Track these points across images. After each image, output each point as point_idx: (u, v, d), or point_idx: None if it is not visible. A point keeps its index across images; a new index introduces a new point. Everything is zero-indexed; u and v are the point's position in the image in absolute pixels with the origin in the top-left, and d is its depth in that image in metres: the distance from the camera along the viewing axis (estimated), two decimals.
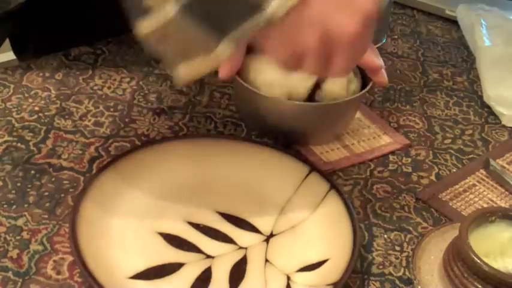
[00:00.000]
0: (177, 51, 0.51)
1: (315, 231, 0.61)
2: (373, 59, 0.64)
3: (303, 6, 0.47)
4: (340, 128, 0.74)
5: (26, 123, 0.70)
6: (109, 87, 0.78)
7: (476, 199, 0.68)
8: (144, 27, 0.49)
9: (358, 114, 0.78)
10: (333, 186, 0.63)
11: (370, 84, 0.69)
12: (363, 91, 0.69)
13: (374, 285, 0.57)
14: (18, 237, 0.57)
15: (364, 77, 0.70)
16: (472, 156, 0.75)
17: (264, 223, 0.61)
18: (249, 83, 0.67)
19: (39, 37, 0.88)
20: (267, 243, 0.59)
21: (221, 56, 0.49)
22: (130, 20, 0.49)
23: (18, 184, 0.63)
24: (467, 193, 0.69)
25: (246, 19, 0.47)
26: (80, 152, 0.67)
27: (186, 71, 0.51)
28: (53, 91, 0.76)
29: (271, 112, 0.68)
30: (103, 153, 0.68)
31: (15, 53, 0.93)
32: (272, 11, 0.46)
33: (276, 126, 0.69)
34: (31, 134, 0.69)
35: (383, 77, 0.65)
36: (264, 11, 0.46)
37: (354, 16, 0.47)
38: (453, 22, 1.04)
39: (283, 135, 0.70)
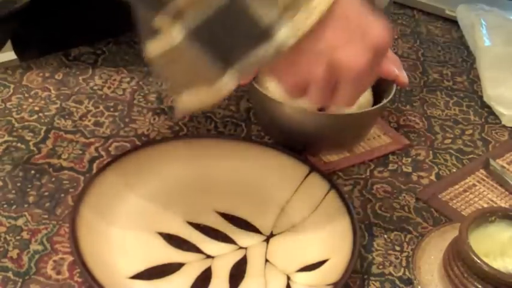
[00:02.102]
0: (180, 79, 0.50)
1: (315, 231, 0.61)
2: (390, 68, 0.65)
3: (314, 36, 0.46)
4: (355, 140, 0.72)
5: (26, 123, 0.70)
6: (109, 87, 0.78)
7: (476, 199, 0.68)
8: (152, 49, 0.48)
9: None
10: (333, 186, 0.63)
11: (390, 96, 0.68)
12: (383, 102, 0.68)
13: (374, 285, 0.57)
14: (18, 237, 0.57)
15: (377, 88, 0.70)
16: (472, 156, 0.75)
17: (264, 223, 0.61)
18: (266, 88, 0.66)
19: (40, 37, 0.88)
20: (267, 243, 0.59)
21: (224, 89, 0.47)
22: (142, 40, 0.48)
23: (18, 184, 0.63)
24: (467, 193, 0.69)
25: (254, 47, 0.45)
26: (80, 152, 0.67)
27: (188, 100, 0.50)
28: (53, 91, 0.76)
29: (287, 119, 0.67)
30: (103, 153, 0.68)
31: (16, 52, 0.94)
32: (282, 39, 0.44)
33: (291, 134, 0.68)
34: (31, 134, 0.69)
35: (403, 79, 0.66)
36: (273, 39, 0.44)
37: (365, 50, 0.46)
38: (453, 22, 1.04)
39: (296, 143, 0.69)
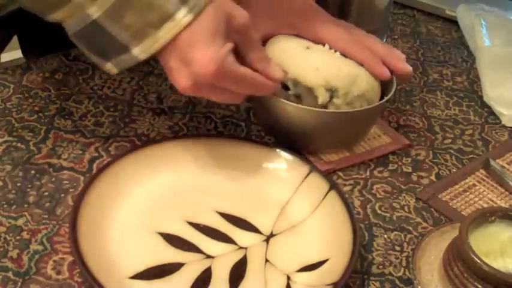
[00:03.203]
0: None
1: (315, 231, 0.61)
2: (381, 70, 0.68)
3: (161, 57, 0.58)
4: (355, 139, 0.72)
5: (26, 123, 0.70)
6: (109, 87, 0.78)
7: (476, 199, 0.68)
8: None
9: None
10: (333, 186, 0.63)
11: (390, 95, 0.68)
12: (383, 101, 0.68)
13: (374, 285, 0.57)
14: (18, 237, 0.57)
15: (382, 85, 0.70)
16: (472, 156, 0.75)
17: (264, 223, 0.61)
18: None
19: (44, 37, 0.88)
20: (267, 243, 0.59)
21: (112, 71, 0.59)
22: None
23: (18, 184, 0.63)
24: (467, 193, 0.69)
25: (119, 54, 0.57)
26: (80, 152, 0.67)
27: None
28: (53, 91, 0.76)
29: (287, 117, 0.67)
30: (103, 153, 0.68)
31: (23, 52, 0.94)
32: (136, 54, 0.57)
33: (291, 132, 0.68)
34: (31, 134, 0.69)
35: (403, 70, 0.69)
36: (130, 52, 0.57)
37: (188, 76, 0.57)
38: (453, 22, 1.04)
39: (296, 141, 0.69)
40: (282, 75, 0.63)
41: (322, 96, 0.65)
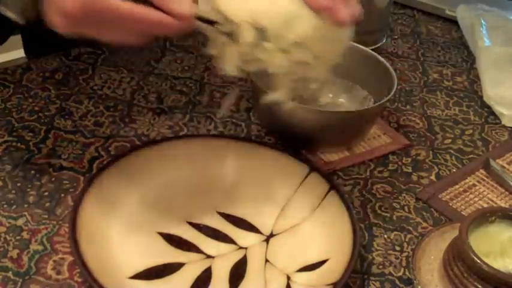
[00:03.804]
0: None
1: (315, 231, 0.61)
2: (334, 10, 0.52)
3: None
4: (356, 138, 0.72)
5: (26, 123, 0.70)
6: (109, 87, 0.78)
7: (476, 199, 0.68)
8: None
9: None
10: (333, 186, 0.63)
11: (390, 95, 0.68)
12: (383, 101, 0.68)
13: (374, 285, 0.57)
14: (18, 237, 0.57)
15: (378, 87, 0.69)
16: (472, 156, 0.75)
17: (264, 223, 0.61)
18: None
19: (47, 36, 0.88)
20: (267, 243, 0.59)
21: (15, 19, 0.58)
22: None
23: (18, 184, 0.63)
24: (467, 193, 0.69)
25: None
26: (80, 152, 0.67)
27: None
28: (53, 91, 0.76)
29: (288, 116, 0.66)
30: (103, 153, 0.68)
31: (25, 51, 0.94)
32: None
33: (291, 130, 0.69)
34: (31, 134, 0.69)
35: (339, 14, 0.53)
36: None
37: (58, 15, 0.54)
38: (453, 22, 1.04)
39: (296, 140, 0.69)
40: (189, 11, 0.52)
41: (247, 35, 0.55)
